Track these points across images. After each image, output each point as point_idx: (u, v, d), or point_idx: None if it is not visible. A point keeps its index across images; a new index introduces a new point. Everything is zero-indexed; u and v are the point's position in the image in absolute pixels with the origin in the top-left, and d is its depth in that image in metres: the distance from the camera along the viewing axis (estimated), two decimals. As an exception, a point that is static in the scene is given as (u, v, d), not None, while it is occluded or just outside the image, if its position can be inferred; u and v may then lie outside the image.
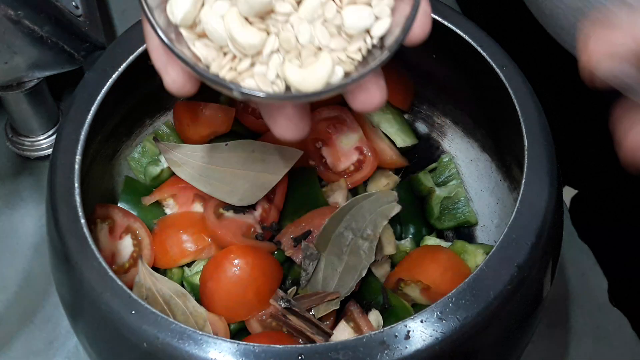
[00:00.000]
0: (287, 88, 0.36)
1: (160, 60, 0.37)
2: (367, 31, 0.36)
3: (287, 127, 0.37)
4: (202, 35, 0.36)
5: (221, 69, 0.36)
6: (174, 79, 0.37)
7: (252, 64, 0.36)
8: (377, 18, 0.36)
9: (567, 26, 0.53)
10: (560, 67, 0.65)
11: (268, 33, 0.36)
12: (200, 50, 0.36)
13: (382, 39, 0.37)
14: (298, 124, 0.37)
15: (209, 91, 0.62)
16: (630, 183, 0.70)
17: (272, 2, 0.35)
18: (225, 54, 0.36)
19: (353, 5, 0.36)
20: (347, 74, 0.36)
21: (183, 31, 0.36)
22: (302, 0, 0.36)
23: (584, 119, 0.69)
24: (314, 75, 0.35)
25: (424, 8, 0.36)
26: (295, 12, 0.36)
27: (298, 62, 0.36)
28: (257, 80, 0.35)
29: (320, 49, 0.36)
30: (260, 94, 0.35)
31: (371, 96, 0.36)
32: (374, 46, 0.37)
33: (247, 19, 0.35)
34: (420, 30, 0.36)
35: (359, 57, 0.36)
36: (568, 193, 0.86)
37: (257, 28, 0.35)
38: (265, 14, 0.36)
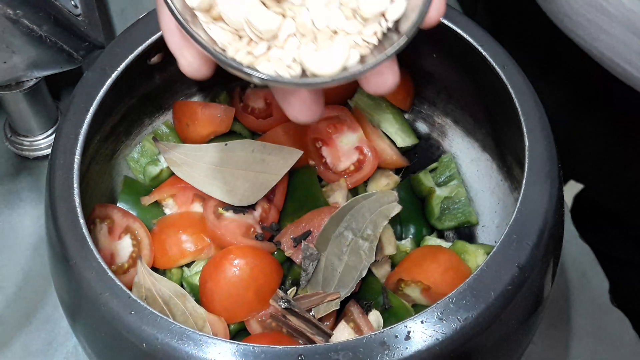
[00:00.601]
0: (303, 72, 0.36)
1: (176, 43, 0.37)
2: (383, 14, 0.36)
3: (301, 110, 0.37)
4: (218, 19, 0.36)
5: (237, 52, 0.35)
6: (189, 61, 0.36)
7: (269, 48, 0.35)
8: (392, 1, 0.36)
9: (570, 13, 0.53)
10: (566, 59, 0.65)
11: (284, 16, 0.35)
12: (216, 33, 0.36)
13: (396, 22, 0.36)
14: (311, 106, 0.37)
15: (207, 90, 0.63)
16: (632, 183, 0.70)
17: None
18: (240, 37, 0.36)
19: None
20: (362, 58, 0.36)
21: (199, 14, 0.36)
22: None
23: (590, 113, 0.69)
24: (330, 59, 0.35)
25: None
26: None
27: (314, 46, 0.35)
28: (273, 64, 0.35)
29: (336, 32, 0.36)
30: (280, 79, 0.34)
31: (384, 80, 0.37)
32: (389, 29, 0.36)
33: (263, 3, 0.35)
34: (435, 12, 0.36)
35: (374, 40, 0.36)
36: (570, 192, 0.85)
37: (273, 12, 0.35)
38: None
